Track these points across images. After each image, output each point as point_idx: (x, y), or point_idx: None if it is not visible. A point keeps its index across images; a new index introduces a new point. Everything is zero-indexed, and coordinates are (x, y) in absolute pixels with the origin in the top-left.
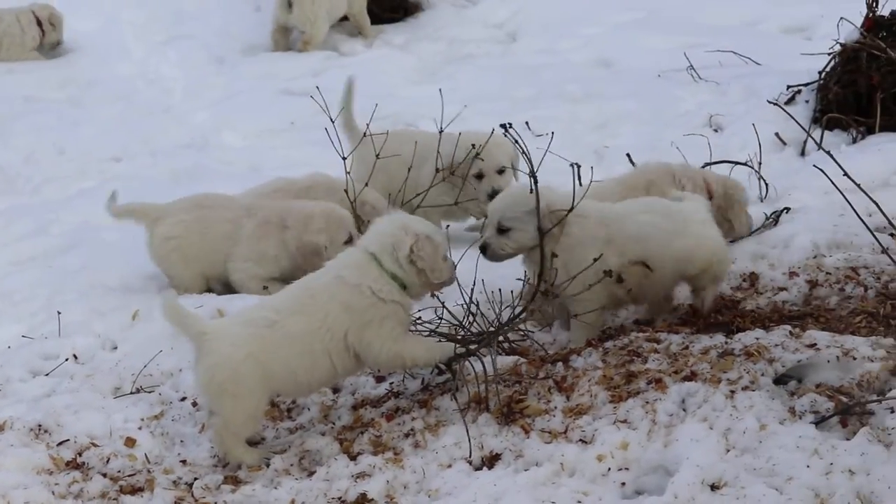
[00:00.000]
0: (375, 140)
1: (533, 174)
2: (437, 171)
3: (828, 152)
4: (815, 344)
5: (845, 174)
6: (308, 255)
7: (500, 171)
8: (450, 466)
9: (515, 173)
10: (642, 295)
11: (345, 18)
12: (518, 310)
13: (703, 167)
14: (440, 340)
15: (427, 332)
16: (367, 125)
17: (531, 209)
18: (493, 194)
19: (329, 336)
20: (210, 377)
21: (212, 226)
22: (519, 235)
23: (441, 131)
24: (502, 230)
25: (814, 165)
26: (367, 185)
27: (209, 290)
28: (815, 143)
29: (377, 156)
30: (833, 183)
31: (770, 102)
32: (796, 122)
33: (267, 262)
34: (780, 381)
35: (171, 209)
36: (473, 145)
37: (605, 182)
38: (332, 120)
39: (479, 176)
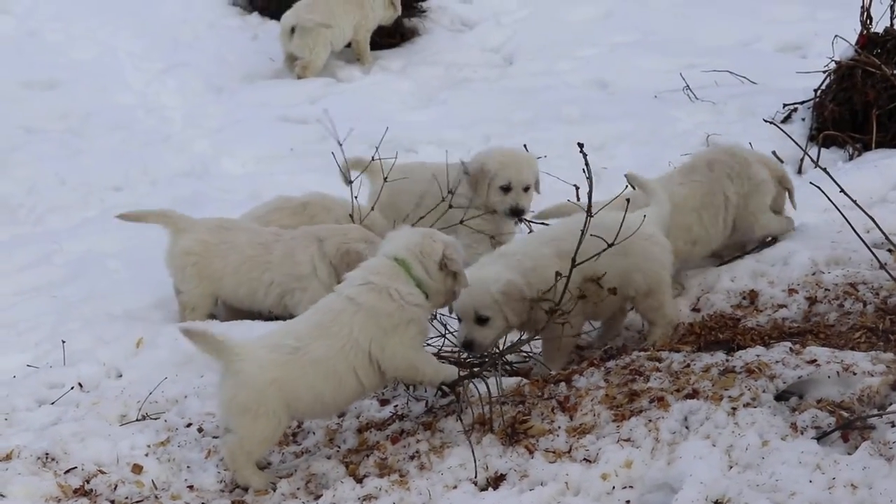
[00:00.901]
0: (393, 173)
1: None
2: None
3: (824, 170)
4: (816, 360)
5: (842, 191)
6: (352, 264)
7: (526, 189)
8: (455, 487)
9: (538, 187)
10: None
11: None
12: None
13: None
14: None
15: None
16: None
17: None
18: (514, 211)
19: (354, 352)
20: (233, 396)
21: (234, 249)
22: (499, 321)
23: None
24: (481, 319)
25: (811, 183)
26: (372, 209)
27: (212, 316)
28: (812, 160)
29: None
30: (830, 200)
31: (766, 121)
32: (793, 140)
33: (305, 280)
34: (781, 397)
35: (196, 225)
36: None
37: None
38: (339, 143)
39: (506, 189)
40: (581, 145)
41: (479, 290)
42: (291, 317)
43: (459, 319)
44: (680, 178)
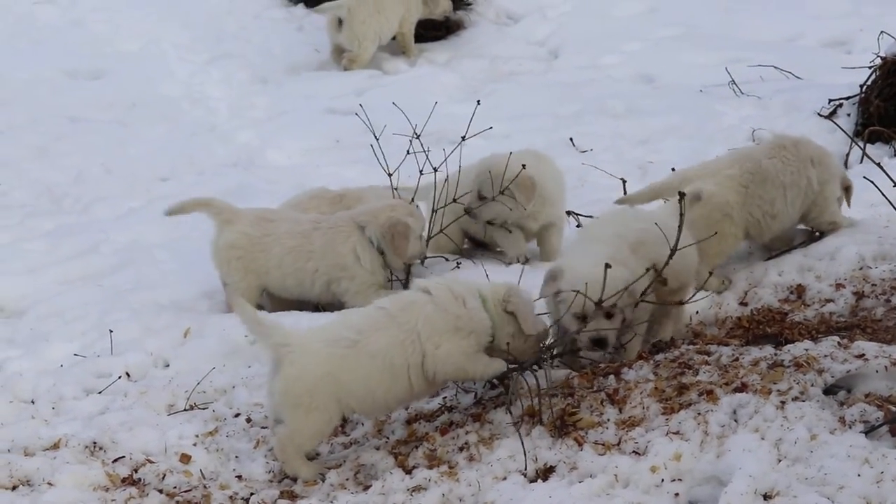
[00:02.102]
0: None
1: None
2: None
3: (878, 164)
4: (864, 354)
5: (895, 184)
6: (398, 238)
7: None
8: (504, 479)
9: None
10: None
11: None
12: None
13: None
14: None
15: None
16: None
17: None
18: None
19: (413, 347)
20: (287, 388)
21: (276, 241)
22: (627, 311)
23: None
24: (609, 315)
25: (864, 178)
26: (413, 200)
27: (259, 307)
28: (864, 153)
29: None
30: (883, 194)
31: (819, 115)
32: (844, 132)
33: (350, 269)
34: (829, 391)
35: (239, 216)
36: (524, 165)
37: (745, 148)
38: (376, 138)
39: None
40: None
41: (597, 279)
42: (341, 305)
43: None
44: (769, 152)
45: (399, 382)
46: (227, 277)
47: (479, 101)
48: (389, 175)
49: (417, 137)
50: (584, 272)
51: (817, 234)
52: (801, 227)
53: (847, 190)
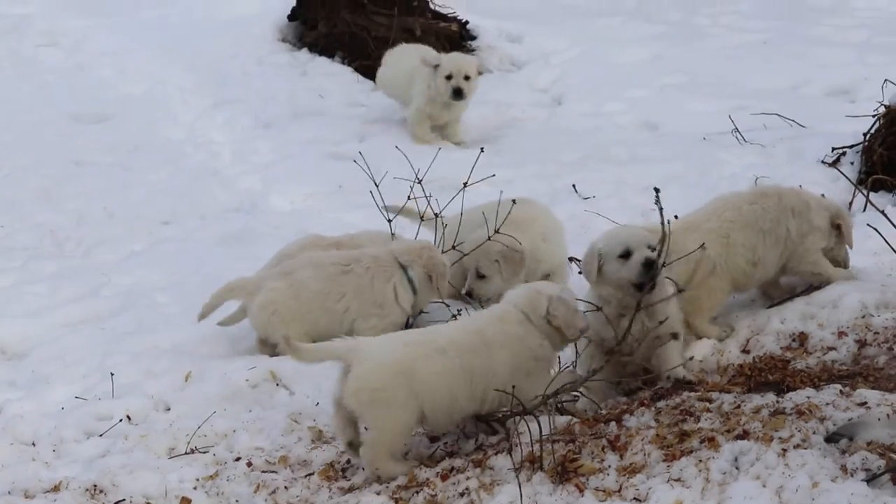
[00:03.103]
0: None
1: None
2: None
3: (882, 211)
4: (866, 402)
5: None
6: (440, 278)
7: (467, 78)
8: None
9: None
10: None
11: None
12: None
13: None
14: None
15: None
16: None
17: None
18: (457, 92)
19: (494, 378)
20: (362, 384)
21: (303, 287)
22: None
23: None
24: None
25: (868, 225)
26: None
27: None
28: (867, 200)
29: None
30: (886, 241)
31: (823, 163)
32: (848, 179)
33: (388, 307)
34: (831, 439)
35: (262, 281)
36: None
37: (726, 195)
38: (376, 184)
39: (449, 77)
40: (657, 190)
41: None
42: None
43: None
44: (750, 198)
45: (475, 400)
46: (273, 336)
47: (482, 149)
48: (389, 221)
49: (419, 182)
50: (614, 229)
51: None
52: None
53: (839, 228)
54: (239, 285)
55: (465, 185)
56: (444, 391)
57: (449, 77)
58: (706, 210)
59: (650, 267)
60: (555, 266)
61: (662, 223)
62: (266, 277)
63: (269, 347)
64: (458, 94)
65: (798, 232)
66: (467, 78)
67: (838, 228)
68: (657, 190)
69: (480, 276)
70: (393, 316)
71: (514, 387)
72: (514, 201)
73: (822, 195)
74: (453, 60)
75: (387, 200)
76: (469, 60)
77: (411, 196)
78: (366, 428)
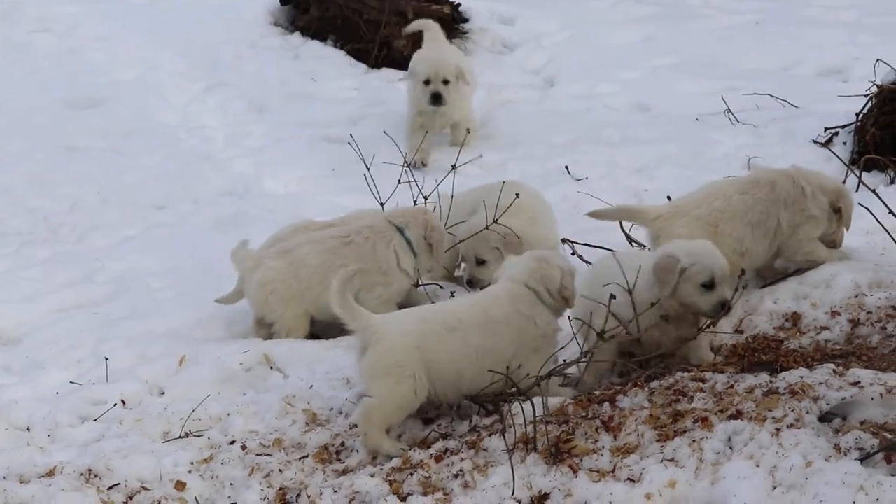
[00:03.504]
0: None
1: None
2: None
3: (874, 191)
4: (859, 382)
5: (891, 212)
6: (437, 243)
7: (446, 82)
8: None
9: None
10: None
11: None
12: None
13: None
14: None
15: None
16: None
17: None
18: (435, 97)
19: (502, 355)
20: (377, 360)
21: (303, 264)
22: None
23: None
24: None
25: (859, 204)
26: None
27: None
28: (860, 181)
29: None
30: (879, 222)
31: (815, 143)
32: (840, 160)
33: (391, 273)
34: (824, 418)
35: (262, 257)
36: (517, 194)
37: (719, 182)
38: (367, 167)
39: (427, 82)
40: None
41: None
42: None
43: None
44: (742, 187)
45: (485, 376)
46: (270, 315)
47: (468, 129)
48: (382, 204)
49: (408, 166)
50: (699, 247)
51: None
52: None
53: (838, 212)
54: (240, 254)
55: (454, 167)
56: (452, 369)
57: (427, 82)
58: (697, 196)
59: (724, 307)
60: (545, 248)
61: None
62: (264, 256)
63: (265, 328)
64: (436, 99)
65: (790, 223)
66: (446, 82)
67: (839, 211)
68: (669, 198)
69: (480, 263)
70: (397, 283)
71: (519, 366)
72: (503, 182)
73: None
74: (429, 63)
75: (378, 183)
76: (446, 63)
77: (401, 179)
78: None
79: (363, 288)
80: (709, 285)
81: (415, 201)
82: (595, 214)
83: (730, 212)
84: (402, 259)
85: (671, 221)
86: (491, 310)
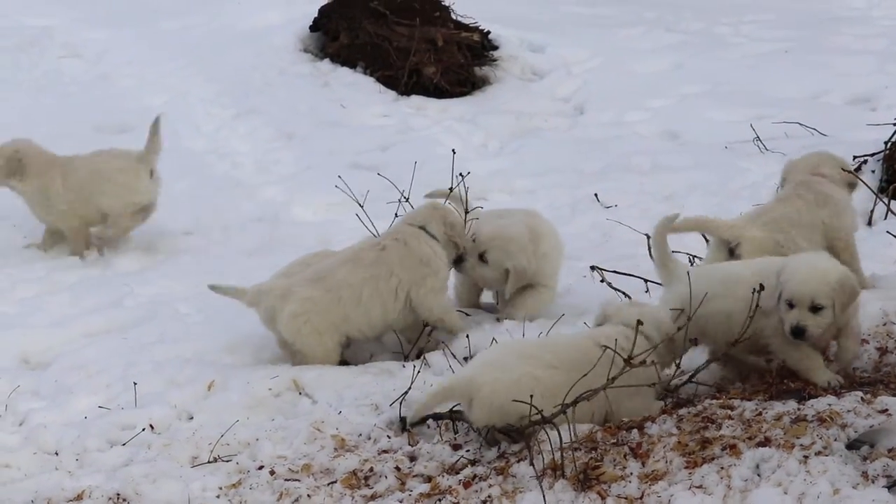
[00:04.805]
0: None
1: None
2: None
3: None
4: (887, 409)
5: None
6: (458, 233)
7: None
8: None
9: None
10: None
11: None
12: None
13: None
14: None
15: None
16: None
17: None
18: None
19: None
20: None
21: (344, 286)
22: (830, 313)
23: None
24: (815, 308)
25: (888, 232)
26: None
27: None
28: (888, 209)
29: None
30: None
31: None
32: (869, 188)
33: (433, 262)
34: (852, 446)
35: (293, 287)
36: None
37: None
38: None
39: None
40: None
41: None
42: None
43: (791, 305)
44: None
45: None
46: (304, 348)
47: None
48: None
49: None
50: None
51: None
52: None
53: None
54: (263, 291)
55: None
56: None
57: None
58: (769, 204)
59: (797, 334)
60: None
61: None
62: (294, 285)
63: (288, 348)
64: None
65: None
66: None
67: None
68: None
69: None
70: (442, 270)
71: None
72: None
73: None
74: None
75: (408, 210)
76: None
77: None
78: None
79: (413, 285)
80: (790, 305)
81: (466, 210)
82: (673, 228)
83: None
84: (436, 251)
85: (748, 225)
86: (593, 351)
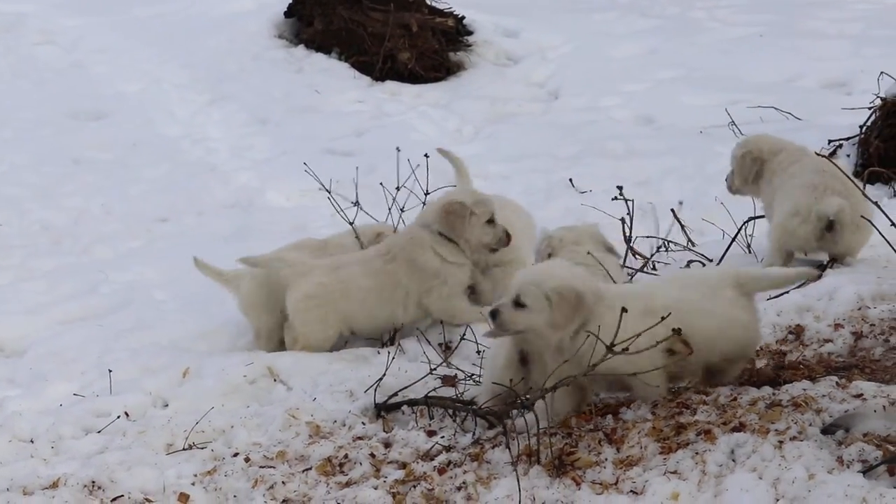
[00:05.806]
0: None
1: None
2: None
3: (876, 204)
4: (862, 394)
5: (893, 224)
6: (454, 218)
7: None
8: None
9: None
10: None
11: None
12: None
13: (748, 221)
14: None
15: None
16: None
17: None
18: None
19: None
20: None
21: (355, 285)
22: (534, 316)
23: None
24: (519, 304)
25: (861, 216)
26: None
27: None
28: (863, 193)
29: None
30: (883, 235)
31: (818, 154)
32: (845, 174)
33: (442, 271)
34: (827, 430)
35: (314, 269)
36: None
37: None
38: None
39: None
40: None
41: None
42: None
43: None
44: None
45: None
46: (302, 326)
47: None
48: (351, 224)
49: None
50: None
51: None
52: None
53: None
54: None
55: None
56: None
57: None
58: None
59: (492, 316)
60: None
61: None
62: (316, 266)
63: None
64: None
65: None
66: None
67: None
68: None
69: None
70: (452, 277)
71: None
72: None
73: None
74: None
75: (378, 197)
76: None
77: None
78: None
79: (421, 294)
80: None
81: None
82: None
83: None
84: (446, 254)
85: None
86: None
